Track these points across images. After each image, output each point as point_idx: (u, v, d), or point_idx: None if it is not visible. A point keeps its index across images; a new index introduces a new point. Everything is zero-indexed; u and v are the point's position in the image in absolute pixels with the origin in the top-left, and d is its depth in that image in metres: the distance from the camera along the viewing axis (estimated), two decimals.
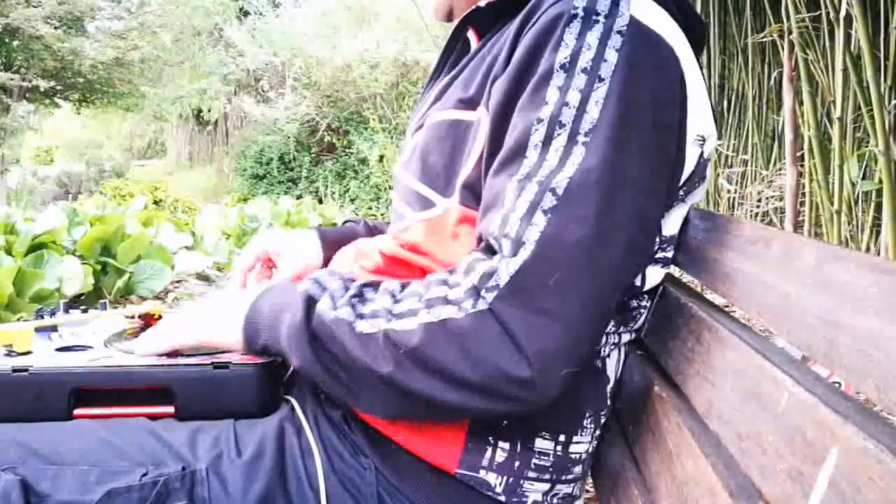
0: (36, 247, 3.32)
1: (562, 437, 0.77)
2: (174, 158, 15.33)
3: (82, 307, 1.01)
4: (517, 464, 0.76)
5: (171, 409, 0.80)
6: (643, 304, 0.79)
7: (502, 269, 0.63)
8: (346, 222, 1.16)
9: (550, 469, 0.77)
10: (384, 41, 9.52)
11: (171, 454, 0.75)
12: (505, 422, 0.75)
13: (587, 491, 1.21)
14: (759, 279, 0.62)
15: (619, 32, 0.65)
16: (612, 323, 0.76)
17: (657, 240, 0.75)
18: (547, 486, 0.77)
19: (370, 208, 9.38)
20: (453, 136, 0.76)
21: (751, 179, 3.54)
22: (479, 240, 0.68)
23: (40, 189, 12.84)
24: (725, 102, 3.70)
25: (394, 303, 0.68)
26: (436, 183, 0.77)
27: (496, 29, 0.80)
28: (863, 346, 0.43)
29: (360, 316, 0.67)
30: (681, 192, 0.74)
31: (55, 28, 10.79)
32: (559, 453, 0.77)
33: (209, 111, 12.87)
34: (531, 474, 0.76)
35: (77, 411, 0.79)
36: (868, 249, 2.52)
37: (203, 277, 4.50)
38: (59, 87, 11.93)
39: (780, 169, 3.28)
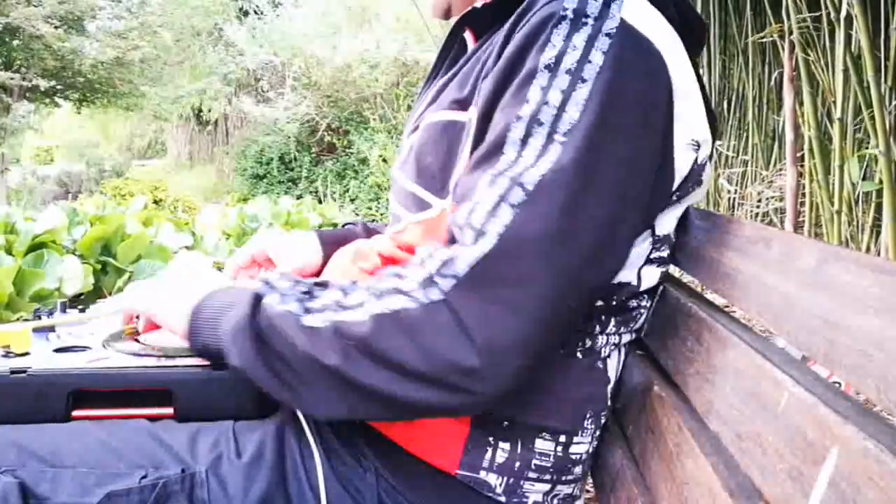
0: (36, 246, 3.32)
1: (562, 438, 0.77)
2: (174, 158, 15.32)
3: (80, 307, 1.01)
4: (517, 464, 0.76)
5: (170, 411, 0.79)
6: (643, 304, 0.79)
7: (461, 257, 0.62)
8: (345, 225, 1.16)
9: (551, 469, 0.77)
10: (384, 41, 9.52)
11: (171, 456, 0.74)
12: (506, 422, 0.75)
13: (587, 491, 1.21)
14: (760, 279, 0.62)
15: (607, 35, 0.65)
16: (612, 323, 0.76)
17: (651, 240, 0.74)
18: (547, 486, 0.77)
19: (370, 208, 9.38)
20: (448, 137, 0.76)
21: (751, 180, 3.54)
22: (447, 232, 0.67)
23: (40, 189, 12.84)
24: (726, 103, 3.70)
25: (343, 296, 0.67)
26: (431, 184, 0.77)
27: (493, 30, 0.80)
28: (863, 347, 0.43)
29: (308, 310, 0.66)
30: (674, 197, 0.74)
31: (55, 27, 10.78)
32: (559, 454, 0.77)
33: (209, 111, 12.87)
34: (531, 475, 0.76)
35: (76, 413, 0.79)
36: (868, 250, 2.52)
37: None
38: (59, 87, 11.92)
39: (781, 169, 3.28)
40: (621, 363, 0.82)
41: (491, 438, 0.75)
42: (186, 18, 11.94)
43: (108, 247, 3.71)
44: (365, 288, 0.66)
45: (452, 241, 0.65)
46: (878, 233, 2.43)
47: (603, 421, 0.81)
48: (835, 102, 2.49)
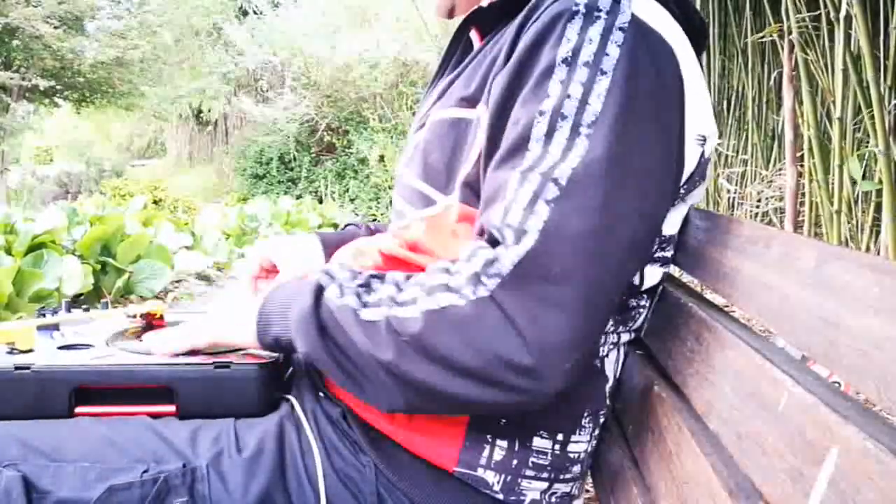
0: (36, 246, 3.33)
1: (560, 436, 0.77)
2: (174, 158, 15.32)
3: (83, 306, 1.01)
4: (515, 462, 0.76)
5: (172, 408, 0.80)
6: (642, 303, 0.79)
7: (504, 257, 0.62)
8: (347, 226, 1.16)
9: (548, 468, 0.77)
10: (384, 41, 9.52)
11: (172, 451, 0.75)
12: (503, 420, 0.75)
13: (587, 491, 1.21)
14: (759, 279, 0.62)
15: (620, 29, 0.66)
16: (610, 322, 0.76)
17: (657, 239, 0.75)
18: (545, 484, 0.78)
19: (370, 208, 9.38)
20: (454, 134, 0.76)
21: (751, 179, 3.54)
22: (481, 232, 0.68)
23: (40, 189, 12.84)
24: (725, 102, 3.70)
25: (398, 291, 0.67)
26: (436, 181, 0.77)
27: (499, 29, 0.80)
28: (862, 346, 0.43)
29: (365, 304, 0.67)
30: (682, 191, 0.74)
31: (55, 27, 10.78)
32: (557, 452, 0.77)
33: (209, 111, 12.87)
34: (529, 473, 0.76)
35: (79, 409, 0.79)
36: (868, 249, 2.53)
37: (203, 277, 4.51)
38: (58, 87, 11.92)
39: (780, 169, 3.29)
40: (620, 363, 0.82)
41: (489, 436, 0.75)
42: (186, 18, 11.94)
43: (107, 247, 3.71)
44: (417, 283, 0.67)
45: (493, 241, 0.65)
46: (878, 232, 2.44)
47: (602, 420, 0.81)
48: (834, 102, 2.49)
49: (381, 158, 9.17)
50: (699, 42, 0.78)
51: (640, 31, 0.66)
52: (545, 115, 0.65)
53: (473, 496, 0.76)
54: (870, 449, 0.38)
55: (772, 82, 3.40)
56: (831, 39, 2.54)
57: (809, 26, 2.63)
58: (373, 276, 0.71)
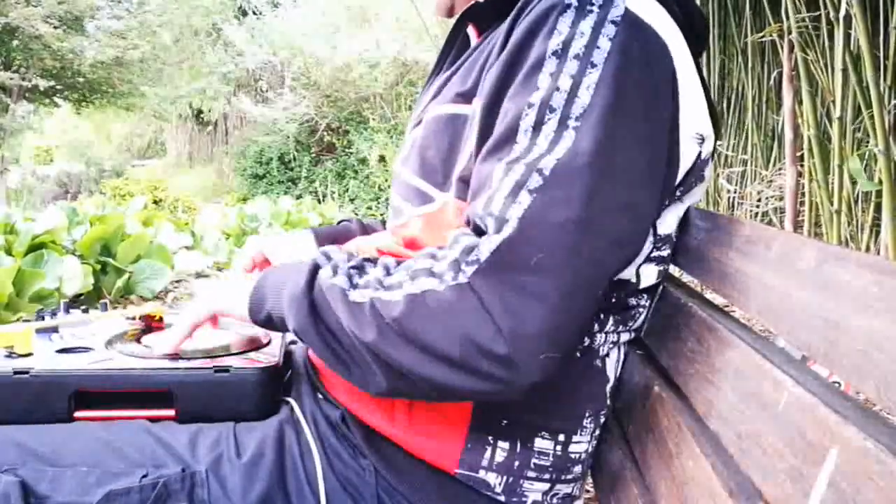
0: (36, 246, 3.32)
1: (561, 437, 0.77)
2: (174, 158, 15.31)
3: (83, 307, 1.01)
4: (517, 463, 0.76)
5: (171, 412, 0.80)
6: (642, 303, 0.79)
7: (484, 244, 0.62)
8: (340, 222, 1.16)
9: (550, 469, 0.77)
10: (384, 41, 9.51)
11: (171, 456, 0.75)
12: (505, 421, 0.75)
13: (587, 491, 1.21)
14: (759, 279, 0.62)
15: (612, 22, 0.65)
16: (610, 321, 0.76)
17: (652, 238, 0.75)
18: (546, 485, 0.78)
19: (370, 208, 9.38)
20: (451, 130, 0.76)
21: (751, 179, 3.54)
22: (468, 223, 0.68)
23: (40, 189, 12.83)
24: (725, 102, 3.70)
25: (385, 275, 0.68)
26: (434, 177, 0.77)
27: (496, 25, 0.80)
28: (863, 346, 0.43)
29: (354, 286, 0.67)
30: (678, 192, 0.74)
31: (55, 27, 10.78)
32: (558, 453, 0.77)
33: (209, 111, 12.87)
34: (531, 474, 0.76)
35: (78, 413, 0.79)
36: (868, 249, 2.52)
37: (203, 277, 4.50)
38: (58, 87, 11.92)
39: (780, 169, 3.28)
40: (621, 363, 0.82)
41: (490, 437, 0.75)
42: (185, 18, 11.93)
43: (107, 247, 3.71)
44: (404, 268, 0.67)
45: (477, 231, 0.65)
46: (878, 232, 2.44)
47: (602, 420, 0.81)
48: (834, 102, 2.49)
49: (382, 158, 9.17)
50: (699, 42, 0.77)
51: (632, 26, 0.66)
52: (533, 108, 0.65)
53: (475, 498, 0.76)
54: (870, 449, 0.38)
55: (772, 82, 3.40)
56: (831, 39, 2.54)
57: (809, 26, 2.63)
58: (366, 260, 0.71)
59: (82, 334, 0.92)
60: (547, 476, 0.77)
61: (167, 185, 10.45)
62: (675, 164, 0.71)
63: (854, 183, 2.53)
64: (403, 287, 0.64)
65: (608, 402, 0.80)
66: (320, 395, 0.83)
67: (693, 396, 0.68)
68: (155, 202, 8.80)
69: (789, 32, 2.65)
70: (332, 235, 1.08)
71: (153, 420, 0.79)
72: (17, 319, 2.66)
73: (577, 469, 0.79)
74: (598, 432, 0.81)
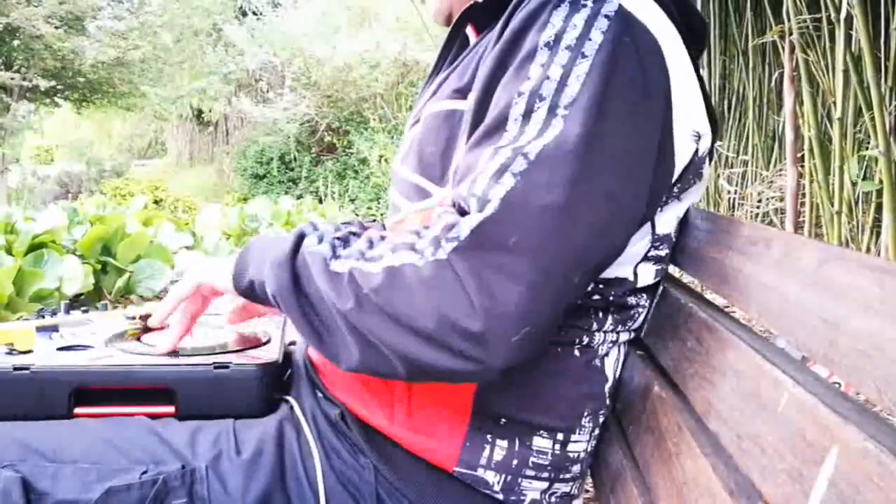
0: (36, 246, 3.33)
1: (560, 436, 0.77)
2: (174, 158, 15.32)
3: (83, 307, 1.01)
4: (515, 462, 0.76)
5: (171, 409, 0.80)
6: (641, 302, 0.79)
7: (464, 222, 0.62)
8: (342, 224, 1.16)
9: (548, 467, 0.77)
10: (384, 41, 9.52)
11: (171, 453, 0.75)
12: (504, 420, 0.75)
13: (587, 491, 1.21)
14: (760, 280, 0.62)
15: (605, 16, 0.66)
16: (609, 321, 0.76)
17: (650, 237, 0.75)
18: (545, 484, 0.78)
19: (370, 208, 9.38)
20: (448, 126, 0.76)
21: (751, 180, 3.54)
22: (453, 205, 0.68)
23: (40, 188, 12.83)
24: (726, 103, 3.70)
25: (368, 247, 0.68)
26: (432, 173, 0.78)
27: (494, 24, 0.80)
28: (863, 347, 0.43)
29: (336, 256, 0.68)
30: (675, 189, 0.74)
31: (56, 27, 10.78)
32: (557, 452, 0.77)
33: (209, 111, 12.87)
34: (529, 472, 0.76)
35: (78, 410, 0.79)
36: (868, 250, 2.52)
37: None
38: (59, 87, 11.92)
39: (781, 170, 3.28)
40: (620, 362, 0.82)
41: (489, 436, 0.75)
42: (186, 18, 11.94)
43: (108, 247, 3.71)
44: (388, 242, 0.68)
45: (460, 212, 0.65)
46: (879, 233, 2.44)
47: (602, 420, 0.81)
48: (835, 103, 2.49)
49: (382, 159, 9.17)
50: (698, 42, 0.77)
51: (625, 21, 0.66)
52: (523, 96, 0.65)
53: (473, 496, 0.76)
54: (870, 449, 0.38)
55: (772, 83, 3.40)
56: (832, 40, 2.54)
57: (810, 27, 2.63)
58: (353, 234, 0.73)
59: (82, 333, 0.92)
60: (545, 475, 0.77)
61: (167, 185, 10.45)
62: (670, 162, 0.70)
63: (855, 184, 2.53)
64: (384, 259, 0.65)
65: (607, 401, 0.80)
66: (320, 394, 0.83)
67: (693, 396, 0.68)
68: (155, 202, 8.81)
69: (790, 33, 2.66)
70: None
71: (153, 417, 0.79)
72: (18, 319, 2.66)
73: (576, 468, 0.79)
74: (597, 432, 0.81)
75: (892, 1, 2.41)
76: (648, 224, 0.74)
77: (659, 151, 0.68)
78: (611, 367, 0.79)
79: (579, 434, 0.78)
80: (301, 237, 0.72)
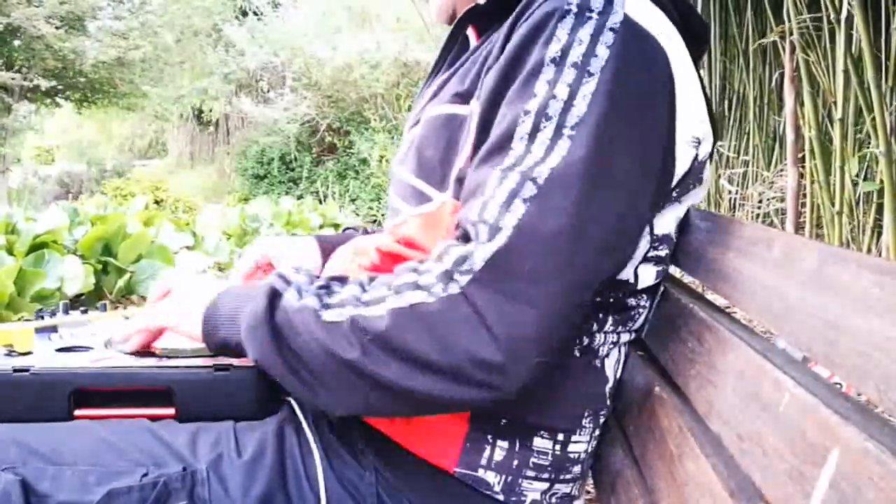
0: (37, 246, 3.33)
1: (560, 437, 0.77)
2: (175, 158, 15.32)
3: (82, 307, 1.01)
4: (516, 462, 0.76)
5: (171, 411, 0.80)
6: (642, 303, 0.79)
7: (477, 253, 0.62)
8: (345, 229, 1.17)
9: (549, 468, 0.77)
10: (385, 41, 9.52)
11: (172, 454, 0.75)
12: (504, 421, 0.75)
13: (588, 492, 1.21)
14: (760, 280, 0.62)
15: (611, 29, 0.65)
16: (610, 321, 0.76)
17: (648, 238, 0.74)
18: (545, 485, 0.78)
19: (371, 208, 9.38)
20: (448, 130, 0.76)
21: (752, 180, 3.54)
22: (457, 227, 0.68)
23: (41, 189, 12.84)
24: (727, 104, 3.70)
25: (362, 291, 0.67)
26: (431, 177, 0.77)
27: (495, 27, 0.80)
28: (864, 347, 0.43)
29: (327, 306, 0.66)
30: (674, 193, 0.74)
31: (56, 27, 10.78)
32: (558, 452, 0.77)
33: (210, 111, 12.88)
34: (530, 473, 0.76)
35: (78, 412, 0.79)
36: (869, 250, 2.52)
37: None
38: (60, 87, 11.92)
39: (782, 170, 3.28)
40: (621, 363, 0.82)
41: (489, 437, 0.75)
42: (186, 18, 11.94)
43: (108, 247, 3.71)
44: (384, 283, 0.67)
45: (466, 237, 0.65)
46: (879, 234, 2.43)
47: (602, 420, 0.81)
48: (835, 103, 2.49)
49: (382, 159, 9.17)
50: (699, 45, 0.77)
51: (631, 33, 0.66)
52: (530, 115, 0.65)
53: (474, 497, 0.76)
54: (871, 450, 0.38)
55: (773, 84, 3.40)
56: (832, 41, 2.54)
57: (811, 28, 2.63)
58: (333, 279, 0.71)
59: (82, 334, 0.92)
60: (546, 475, 0.77)
61: (168, 186, 10.45)
62: (670, 169, 0.71)
63: (855, 184, 2.53)
64: (387, 302, 0.64)
65: (608, 402, 0.80)
66: None
67: (694, 397, 0.68)
68: (156, 202, 8.81)
69: (791, 34, 2.65)
70: (335, 243, 1.08)
71: (153, 419, 0.79)
72: (19, 319, 2.66)
73: (577, 469, 0.79)
74: (597, 432, 0.81)
75: (893, 1, 2.41)
76: (647, 226, 0.74)
77: (660, 159, 0.69)
78: (611, 367, 0.79)
79: (580, 435, 0.78)
80: (273, 293, 0.69)
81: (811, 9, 2.60)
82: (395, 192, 0.85)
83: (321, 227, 6.46)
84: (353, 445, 0.78)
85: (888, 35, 2.44)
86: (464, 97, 0.76)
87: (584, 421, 0.78)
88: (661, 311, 0.82)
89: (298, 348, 0.66)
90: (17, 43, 10.86)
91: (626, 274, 0.75)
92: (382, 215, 8.80)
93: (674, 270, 0.84)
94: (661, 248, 0.76)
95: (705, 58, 3.63)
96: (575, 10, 0.67)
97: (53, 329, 0.92)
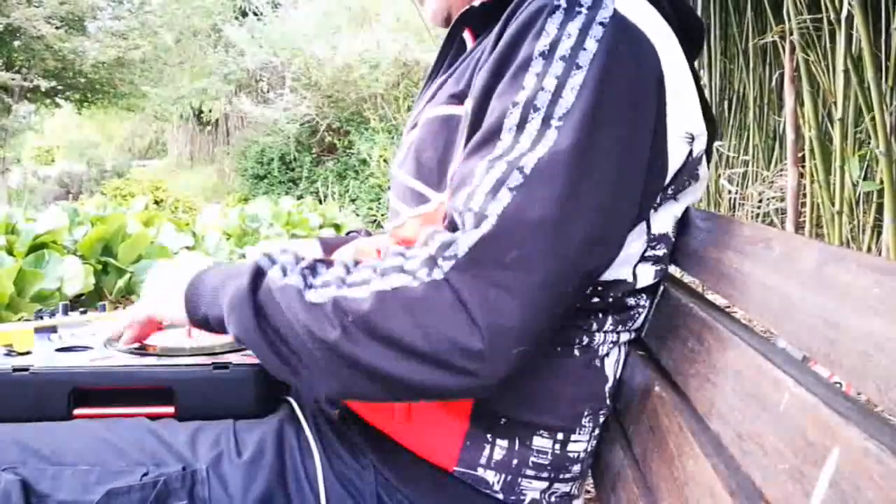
0: (37, 247, 3.33)
1: (560, 436, 0.77)
2: (175, 158, 15.33)
3: (82, 308, 1.01)
4: (515, 461, 0.76)
5: (171, 410, 0.80)
6: (641, 303, 0.79)
7: (462, 240, 0.62)
8: (349, 233, 1.17)
9: (548, 467, 0.77)
10: (384, 41, 9.52)
11: (172, 454, 0.75)
12: (504, 420, 0.75)
13: (588, 491, 1.21)
14: (760, 280, 0.62)
15: (600, 24, 0.65)
16: (609, 321, 0.76)
17: (646, 237, 0.74)
18: (545, 484, 0.78)
19: (370, 209, 9.38)
20: (446, 131, 0.76)
21: (752, 180, 3.54)
22: (445, 217, 0.67)
23: (41, 189, 12.84)
24: (727, 104, 3.70)
25: (347, 273, 0.67)
26: (430, 178, 0.78)
27: (491, 28, 0.80)
28: (864, 347, 0.43)
29: (311, 286, 0.66)
30: (669, 190, 0.74)
31: (56, 28, 10.79)
32: (557, 452, 0.77)
33: (210, 111, 12.88)
34: (529, 472, 0.76)
35: (77, 411, 0.79)
36: (869, 250, 2.52)
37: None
38: (60, 87, 11.93)
39: (782, 170, 3.28)
40: (621, 363, 0.82)
41: (489, 435, 0.75)
42: (186, 18, 11.95)
43: (108, 247, 3.71)
44: (369, 266, 0.67)
45: (453, 226, 0.65)
46: (879, 233, 2.43)
47: (602, 420, 0.81)
48: (835, 103, 2.49)
49: (382, 159, 9.17)
50: (694, 41, 0.77)
51: (620, 27, 0.66)
52: (518, 107, 0.65)
53: (473, 496, 0.76)
54: (871, 449, 0.38)
55: (773, 83, 3.40)
56: (832, 41, 2.54)
57: (811, 27, 2.63)
58: (319, 261, 0.70)
59: (81, 334, 0.92)
60: (545, 475, 0.77)
61: (168, 186, 10.45)
62: (663, 165, 0.71)
63: (855, 184, 2.53)
64: (371, 284, 0.64)
65: (608, 401, 0.80)
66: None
67: (694, 397, 0.68)
68: (156, 202, 8.81)
69: (791, 34, 2.66)
70: (338, 244, 1.08)
71: (153, 418, 0.79)
72: (18, 319, 2.66)
73: (576, 468, 0.79)
74: (597, 432, 0.81)
75: (893, 1, 2.41)
76: (643, 224, 0.74)
77: (651, 154, 0.68)
78: (611, 367, 0.79)
79: (579, 434, 0.78)
80: (258, 270, 0.69)
81: (811, 9, 2.60)
82: (395, 195, 0.85)
83: (321, 227, 6.46)
84: (353, 444, 0.78)
85: (888, 35, 2.44)
86: (459, 98, 0.76)
87: (583, 420, 0.78)
88: (660, 311, 0.82)
89: (280, 326, 0.66)
90: (17, 43, 10.86)
91: (625, 274, 0.75)
92: (382, 215, 8.81)
93: (674, 270, 0.84)
94: (658, 247, 0.76)
95: (705, 58, 3.63)
96: (565, 5, 0.67)
97: (53, 329, 0.92)
